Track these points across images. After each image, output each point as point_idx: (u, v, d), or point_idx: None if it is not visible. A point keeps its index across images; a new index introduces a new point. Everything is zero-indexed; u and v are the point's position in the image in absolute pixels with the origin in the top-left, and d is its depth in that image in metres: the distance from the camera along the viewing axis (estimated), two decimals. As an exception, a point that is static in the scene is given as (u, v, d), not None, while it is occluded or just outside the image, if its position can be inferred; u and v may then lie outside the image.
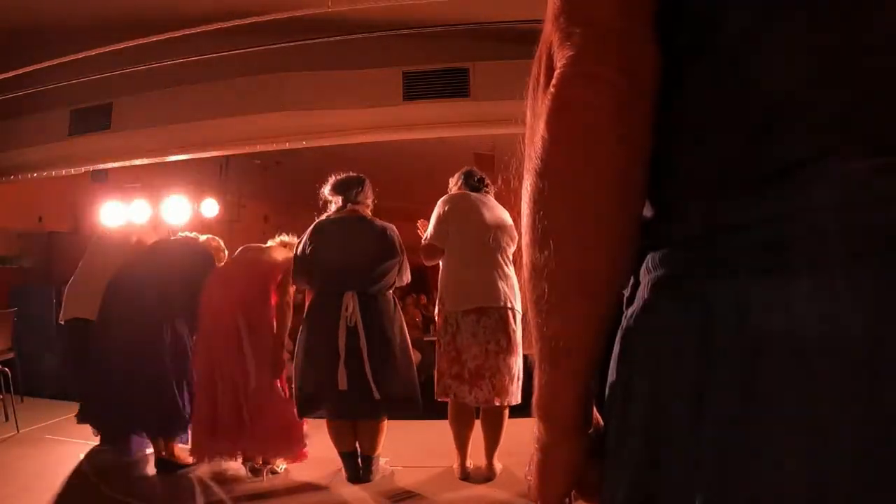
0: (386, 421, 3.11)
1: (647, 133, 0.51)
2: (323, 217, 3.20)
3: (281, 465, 3.26)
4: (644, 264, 0.55)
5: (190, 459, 3.31)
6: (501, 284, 3.03)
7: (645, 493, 0.50)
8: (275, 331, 3.23)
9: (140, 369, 3.17)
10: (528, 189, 0.52)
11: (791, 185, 0.46)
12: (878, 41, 0.46)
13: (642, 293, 0.54)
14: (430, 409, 3.23)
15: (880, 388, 0.41)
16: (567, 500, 0.61)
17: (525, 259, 0.54)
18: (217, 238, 3.79)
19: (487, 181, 3.30)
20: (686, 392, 0.47)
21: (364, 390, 2.93)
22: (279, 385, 3.22)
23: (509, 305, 3.03)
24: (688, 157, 0.52)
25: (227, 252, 3.69)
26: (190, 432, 3.24)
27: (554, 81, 0.51)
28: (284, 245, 3.50)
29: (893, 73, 0.45)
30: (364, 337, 2.96)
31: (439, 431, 3.14)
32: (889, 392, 0.41)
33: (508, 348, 3.01)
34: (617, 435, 0.54)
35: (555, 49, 0.52)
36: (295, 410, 3.11)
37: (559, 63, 0.51)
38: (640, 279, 0.55)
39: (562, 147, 0.50)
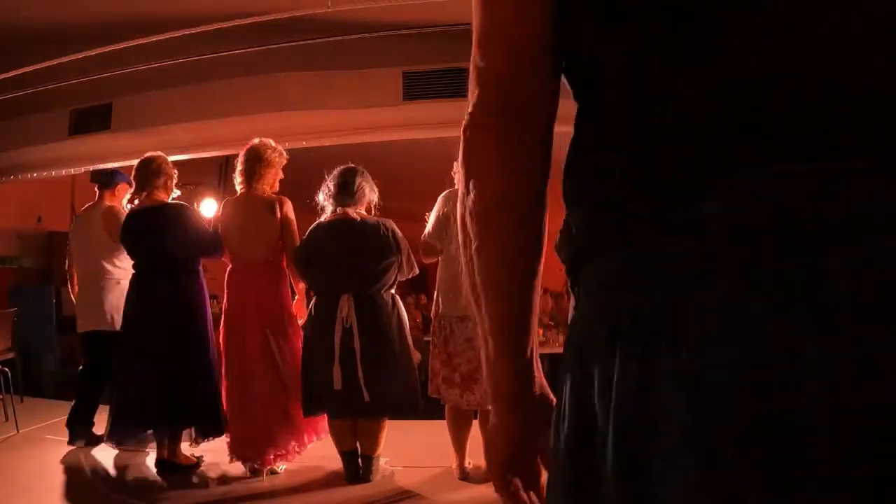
0: (386, 421, 3.12)
1: (539, 165, 0.62)
2: (320, 220, 3.20)
3: (281, 465, 3.26)
4: (580, 278, 0.60)
5: (192, 460, 3.32)
6: None
7: (575, 480, 0.55)
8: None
9: (181, 361, 3.20)
10: (458, 208, 0.65)
11: (691, 197, 0.49)
12: (787, 60, 0.48)
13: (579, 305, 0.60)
14: (430, 410, 3.23)
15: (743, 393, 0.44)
16: (509, 471, 0.67)
17: (461, 258, 0.66)
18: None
19: None
20: (598, 387, 0.52)
21: (359, 391, 2.96)
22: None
23: None
24: (601, 178, 0.56)
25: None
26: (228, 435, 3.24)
27: (462, 127, 0.63)
28: (261, 178, 3.30)
29: (801, 83, 0.48)
30: (359, 338, 2.97)
31: (439, 432, 3.14)
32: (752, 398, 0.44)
33: None
34: (556, 427, 0.58)
35: (468, 96, 0.63)
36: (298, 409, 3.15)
37: (466, 112, 0.63)
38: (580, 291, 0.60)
39: (470, 181, 0.63)
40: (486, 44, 0.61)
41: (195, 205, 6.26)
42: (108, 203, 3.89)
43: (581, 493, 0.54)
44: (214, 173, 7.07)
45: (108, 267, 3.79)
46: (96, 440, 3.73)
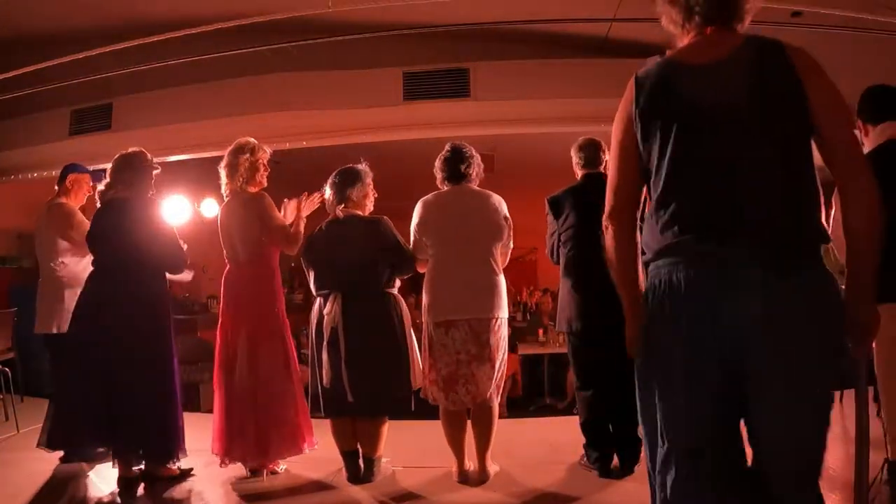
0: (386, 422, 3.12)
1: (630, 235, 1.57)
2: (319, 225, 3.22)
3: (281, 465, 3.26)
4: (647, 270, 1.53)
5: (175, 471, 3.19)
6: (474, 295, 2.98)
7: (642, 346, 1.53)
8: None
9: (135, 380, 2.96)
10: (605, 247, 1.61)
11: (675, 248, 1.43)
12: (723, 187, 1.41)
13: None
14: (431, 411, 3.22)
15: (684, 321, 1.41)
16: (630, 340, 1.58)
17: (608, 261, 1.61)
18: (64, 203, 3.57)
19: (470, 160, 3.10)
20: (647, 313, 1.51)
21: (343, 389, 2.99)
22: (293, 385, 3.22)
23: (481, 316, 2.97)
24: (648, 232, 1.53)
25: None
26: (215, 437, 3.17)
27: (603, 217, 1.60)
28: (239, 176, 3.27)
29: (725, 196, 1.40)
30: (343, 337, 2.99)
31: (440, 432, 3.13)
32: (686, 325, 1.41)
33: (481, 355, 2.96)
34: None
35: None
36: (298, 409, 3.19)
37: (606, 210, 1.59)
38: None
39: (607, 241, 1.59)
40: (612, 186, 1.56)
41: (196, 205, 6.27)
42: (58, 199, 3.63)
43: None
44: (214, 173, 7.06)
45: (56, 267, 3.54)
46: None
